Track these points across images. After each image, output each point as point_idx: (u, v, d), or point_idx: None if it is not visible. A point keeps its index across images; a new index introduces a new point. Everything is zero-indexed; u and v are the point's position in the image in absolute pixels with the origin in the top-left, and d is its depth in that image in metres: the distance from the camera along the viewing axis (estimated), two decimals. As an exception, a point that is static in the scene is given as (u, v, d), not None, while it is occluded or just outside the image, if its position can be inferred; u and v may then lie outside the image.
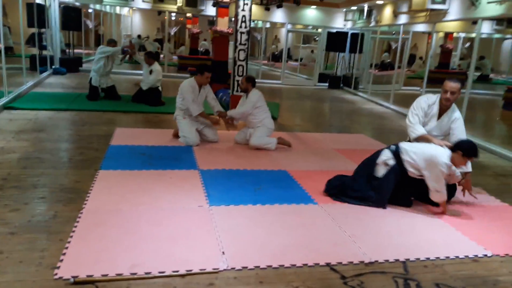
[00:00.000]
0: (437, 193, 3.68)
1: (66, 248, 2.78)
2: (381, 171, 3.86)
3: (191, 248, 2.88)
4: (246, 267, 2.71)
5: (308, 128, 7.31)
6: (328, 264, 2.83)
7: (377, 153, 4.00)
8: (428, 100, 4.11)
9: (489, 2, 6.78)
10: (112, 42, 8.16)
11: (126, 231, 3.05)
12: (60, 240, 2.89)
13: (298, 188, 4.24)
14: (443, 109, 4.11)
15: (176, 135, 5.69)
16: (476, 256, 3.10)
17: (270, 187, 4.17)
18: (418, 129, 4.03)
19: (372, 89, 12.22)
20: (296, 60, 19.49)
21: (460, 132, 4.04)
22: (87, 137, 5.50)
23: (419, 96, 4.34)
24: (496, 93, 13.58)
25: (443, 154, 3.61)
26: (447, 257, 3.04)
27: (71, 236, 2.93)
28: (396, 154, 3.84)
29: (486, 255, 3.12)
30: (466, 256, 3.08)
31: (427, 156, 3.65)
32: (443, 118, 4.12)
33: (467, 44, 18.12)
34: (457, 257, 3.06)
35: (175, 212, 3.43)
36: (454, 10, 8.05)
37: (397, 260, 2.95)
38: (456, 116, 4.04)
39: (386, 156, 3.88)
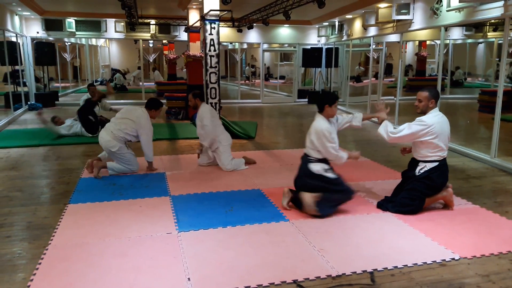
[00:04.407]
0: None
1: (28, 286, 2.74)
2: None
3: (155, 277, 2.85)
4: (212, 292, 2.69)
5: (286, 145, 7.35)
6: (295, 281, 2.81)
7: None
8: None
9: (448, 10, 6.97)
10: (90, 86, 8.33)
11: (91, 265, 3.00)
12: (23, 279, 2.84)
13: (270, 206, 4.24)
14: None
15: (94, 167, 5.20)
16: (444, 260, 3.12)
17: (242, 208, 4.17)
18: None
19: (351, 101, 12.37)
20: (276, 78, 19.69)
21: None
22: (58, 172, 5.46)
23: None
24: (473, 96, 13.83)
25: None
26: (415, 264, 3.05)
27: (34, 274, 2.89)
28: None
29: (453, 259, 3.14)
30: (434, 261, 3.09)
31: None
32: None
33: (445, 50, 18.49)
34: (424, 263, 3.07)
35: (142, 241, 3.39)
36: (418, 20, 8.26)
37: (364, 271, 2.95)
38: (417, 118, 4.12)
39: None
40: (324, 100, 4.05)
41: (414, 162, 4.15)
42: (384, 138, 4.17)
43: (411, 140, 4.08)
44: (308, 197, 3.92)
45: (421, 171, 4.04)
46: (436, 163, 4.02)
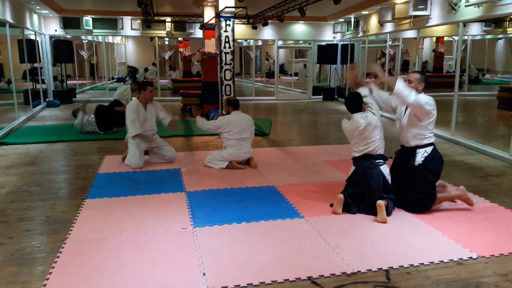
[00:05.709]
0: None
1: (47, 279, 2.79)
2: None
3: (171, 272, 2.88)
4: (227, 287, 2.70)
5: (300, 142, 7.33)
6: (309, 278, 2.81)
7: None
8: None
9: (467, 6, 6.84)
10: (134, 83, 8.47)
11: (107, 259, 3.05)
12: (42, 272, 2.90)
13: (285, 203, 4.23)
14: None
15: (124, 159, 5.67)
16: (461, 259, 3.08)
17: (257, 204, 4.18)
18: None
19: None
20: (290, 75, 19.64)
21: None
22: (76, 167, 5.55)
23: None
24: (492, 93, 13.58)
25: None
26: (431, 262, 3.02)
27: (53, 267, 2.94)
28: None
29: (471, 258, 3.10)
30: (451, 260, 3.06)
31: None
32: None
33: (463, 47, 18.19)
34: (441, 261, 3.04)
35: (158, 236, 3.43)
36: (435, 15, 8.13)
37: (380, 269, 2.93)
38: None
39: None
40: (359, 104, 4.02)
41: (409, 151, 4.01)
42: (405, 98, 3.81)
43: (419, 111, 3.84)
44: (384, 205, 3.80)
45: (423, 158, 3.92)
46: (433, 146, 3.96)
